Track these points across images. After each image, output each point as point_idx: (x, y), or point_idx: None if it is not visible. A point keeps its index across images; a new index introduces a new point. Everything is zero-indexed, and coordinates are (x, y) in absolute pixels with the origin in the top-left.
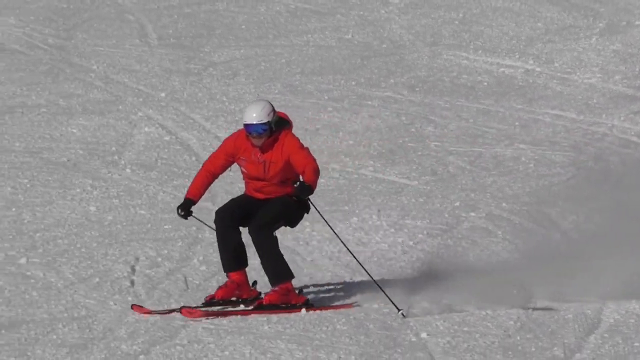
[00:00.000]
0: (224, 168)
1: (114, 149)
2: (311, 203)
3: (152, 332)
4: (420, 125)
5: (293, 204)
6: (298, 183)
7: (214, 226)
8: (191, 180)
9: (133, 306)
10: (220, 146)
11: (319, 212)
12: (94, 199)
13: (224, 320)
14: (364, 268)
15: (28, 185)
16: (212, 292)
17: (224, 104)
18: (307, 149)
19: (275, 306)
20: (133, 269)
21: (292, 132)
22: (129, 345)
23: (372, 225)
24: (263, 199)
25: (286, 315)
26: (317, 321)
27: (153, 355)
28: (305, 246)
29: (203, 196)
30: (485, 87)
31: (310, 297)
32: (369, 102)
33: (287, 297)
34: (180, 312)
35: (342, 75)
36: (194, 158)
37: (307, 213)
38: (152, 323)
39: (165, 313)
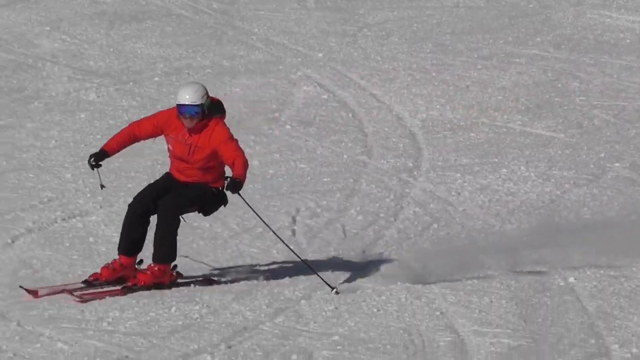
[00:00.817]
0: (148, 136)
1: (274, 106)
2: (241, 197)
3: (313, 279)
4: (566, 81)
5: (211, 194)
6: (229, 179)
7: (106, 184)
8: (340, 135)
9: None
10: (153, 115)
11: (249, 206)
12: (256, 154)
13: (382, 267)
14: None
15: None
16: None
17: (378, 63)
18: (236, 140)
19: (146, 287)
20: (294, 220)
21: (224, 121)
22: (291, 291)
23: (521, 176)
24: (183, 182)
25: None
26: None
27: (314, 300)
28: (457, 197)
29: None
30: (627, 44)
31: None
32: (517, 60)
33: (162, 278)
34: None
35: (491, 34)
36: (350, 115)
37: (224, 206)
38: (311, 272)
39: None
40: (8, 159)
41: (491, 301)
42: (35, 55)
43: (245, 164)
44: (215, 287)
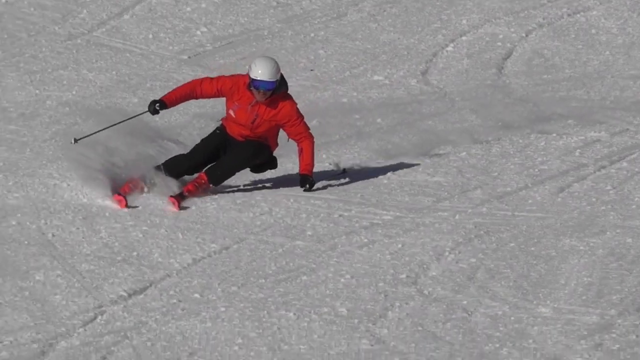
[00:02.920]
0: (207, 97)
1: None
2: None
3: None
4: None
5: (266, 154)
6: (306, 185)
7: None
8: None
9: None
10: (217, 78)
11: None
12: None
13: None
14: None
15: None
16: None
17: None
18: (303, 117)
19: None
20: None
21: (291, 96)
22: None
23: None
24: (238, 141)
25: None
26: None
27: None
28: None
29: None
30: None
31: None
32: None
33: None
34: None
35: None
36: None
37: (273, 169)
38: None
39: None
40: None
41: None
42: None
43: (313, 151)
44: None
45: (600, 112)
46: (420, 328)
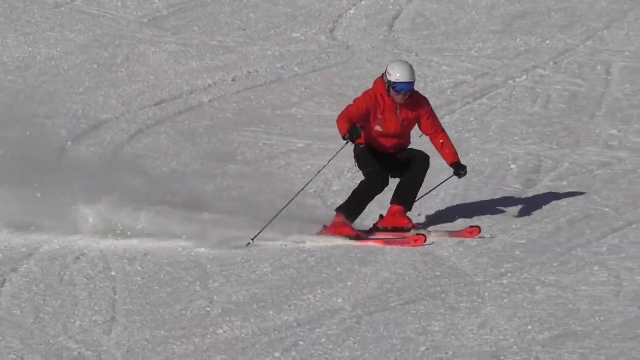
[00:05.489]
0: (358, 122)
1: None
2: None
3: None
4: None
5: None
6: (461, 172)
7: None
8: None
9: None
10: (358, 103)
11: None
12: None
13: None
14: None
15: None
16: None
17: None
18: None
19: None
20: None
21: None
22: None
23: None
24: (393, 153)
25: None
26: None
27: None
28: None
29: None
30: None
31: None
32: None
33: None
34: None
35: None
36: None
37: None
38: None
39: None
40: None
41: None
42: None
43: (452, 141)
44: None
45: (467, 60)
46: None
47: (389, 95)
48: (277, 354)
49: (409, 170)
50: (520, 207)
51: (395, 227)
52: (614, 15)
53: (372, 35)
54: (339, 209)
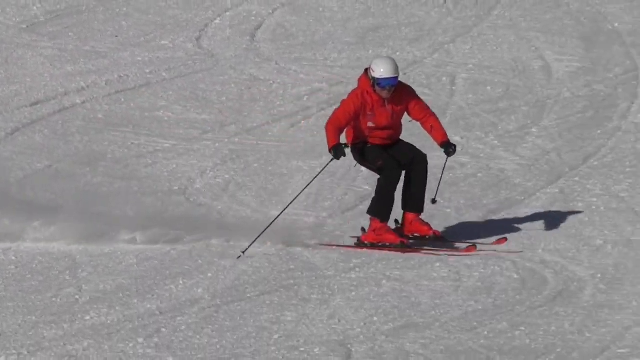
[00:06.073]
0: (348, 125)
1: None
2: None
3: None
4: None
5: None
6: (450, 150)
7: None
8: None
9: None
10: (345, 106)
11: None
12: None
13: None
14: None
15: None
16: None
17: None
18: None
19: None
20: None
21: None
22: None
23: None
24: (390, 144)
25: None
26: None
27: None
28: None
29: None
30: None
31: None
32: None
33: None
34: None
35: None
36: None
37: None
38: None
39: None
40: None
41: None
42: None
43: (441, 125)
44: None
45: (323, 69)
46: None
47: (375, 91)
48: (140, 340)
49: (411, 174)
50: (368, 207)
51: (415, 235)
52: (459, 30)
53: (235, 44)
54: (372, 212)
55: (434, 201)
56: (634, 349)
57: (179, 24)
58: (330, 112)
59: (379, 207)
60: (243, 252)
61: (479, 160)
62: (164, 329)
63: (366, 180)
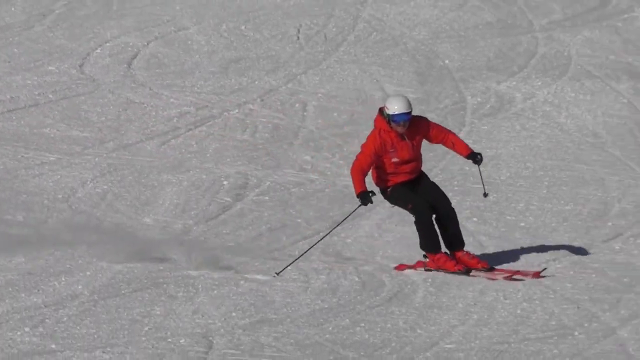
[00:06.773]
0: (371, 166)
1: None
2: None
3: None
4: None
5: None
6: (477, 158)
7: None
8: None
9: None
10: (366, 149)
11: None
12: None
13: None
14: None
15: None
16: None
17: None
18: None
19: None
20: None
21: None
22: None
23: None
24: (414, 179)
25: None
26: None
27: None
28: None
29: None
30: None
31: None
32: None
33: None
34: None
35: None
36: None
37: None
38: None
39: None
40: None
41: None
42: None
43: (461, 139)
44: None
45: (191, 95)
46: None
47: (391, 128)
48: (27, 329)
49: (442, 219)
50: (230, 216)
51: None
52: (310, 63)
53: (114, 71)
54: (424, 249)
55: (485, 195)
56: (459, 344)
57: (65, 52)
58: (197, 132)
59: (427, 243)
60: (277, 273)
61: (326, 177)
62: (47, 320)
63: (227, 193)
